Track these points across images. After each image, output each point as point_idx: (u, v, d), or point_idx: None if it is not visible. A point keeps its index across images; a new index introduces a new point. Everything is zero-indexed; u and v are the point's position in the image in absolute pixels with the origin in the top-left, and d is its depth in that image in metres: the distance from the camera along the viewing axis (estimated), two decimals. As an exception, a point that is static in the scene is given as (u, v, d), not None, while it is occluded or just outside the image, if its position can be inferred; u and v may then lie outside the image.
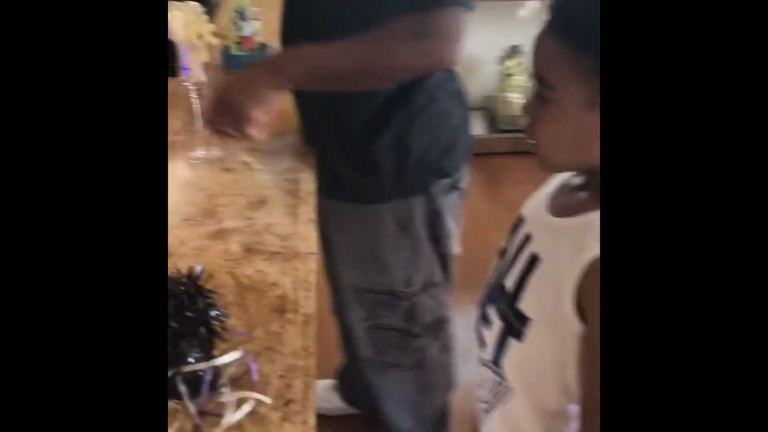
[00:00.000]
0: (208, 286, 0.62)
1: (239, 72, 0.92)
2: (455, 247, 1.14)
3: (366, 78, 0.87)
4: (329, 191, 1.05)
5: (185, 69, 0.99)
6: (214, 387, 0.58)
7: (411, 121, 0.98)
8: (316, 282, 0.78)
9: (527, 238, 0.72)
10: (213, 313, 0.60)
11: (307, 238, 0.86)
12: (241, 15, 1.42)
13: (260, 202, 0.93)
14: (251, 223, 0.88)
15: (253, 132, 0.88)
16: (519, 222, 0.76)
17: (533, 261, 0.69)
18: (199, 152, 1.05)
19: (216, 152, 1.06)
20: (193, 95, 1.01)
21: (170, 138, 1.11)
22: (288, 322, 0.70)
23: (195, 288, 0.59)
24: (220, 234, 0.85)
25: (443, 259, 1.13)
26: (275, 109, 0.88)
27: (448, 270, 1.15)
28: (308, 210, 0.92)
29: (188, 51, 0.97)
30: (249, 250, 0.82)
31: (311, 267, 0.80)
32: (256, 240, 0.84)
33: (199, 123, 1.05)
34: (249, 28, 1.44)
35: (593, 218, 0.64)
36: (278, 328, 0.69)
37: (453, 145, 1.04)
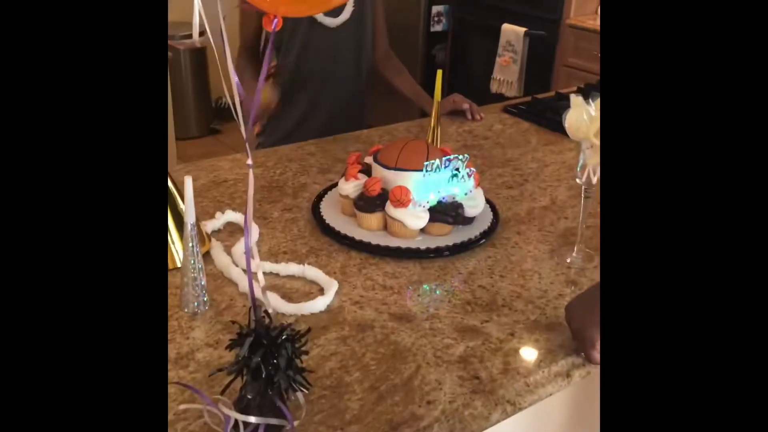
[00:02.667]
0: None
1: (588, 296, 0.79)
2: None
3: None
4: None
5: (580, 165, 0.91)
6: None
7: None
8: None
9: None
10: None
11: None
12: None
13: (548, 327, 0.81)
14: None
15: (599, 360, 0.75)
16: None
17: None
18: (575, 257, 0.96)
19: (584, 265, 0.95)
20: (583, 194, 0.93)
21: (554, 230, 1.05)
22: None
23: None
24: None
25: None
26: None
27: None
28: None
29: (587, 148, 0.89)
30: (462, 359, 0.75)
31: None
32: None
33: (583, 225, 0.96)
34: None
35: None
36: None
37: None
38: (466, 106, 1.53)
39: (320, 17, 1.43)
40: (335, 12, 1.43)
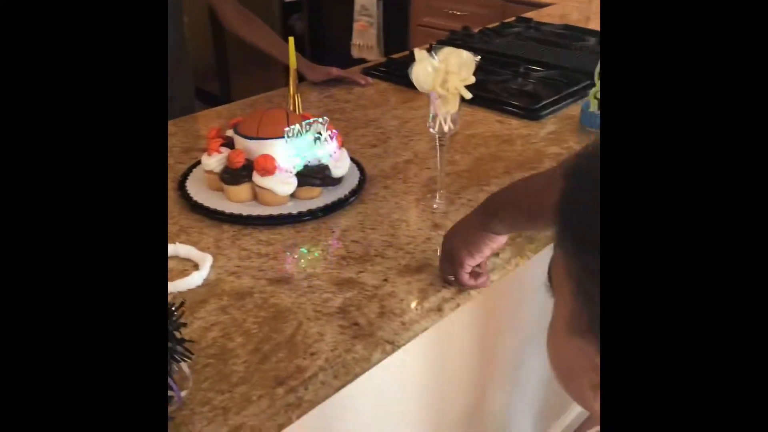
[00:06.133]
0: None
1: (462, 219, 0.84)
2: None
3: None
4: None
5: (431, 116, 0.97)
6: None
7: None
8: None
9: None
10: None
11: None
12: (612, 70, 1.26)
13: (418, 269, 0.86)
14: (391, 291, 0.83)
15: (466, 280, 0.81)
16: None
17: None
18: (438, 203, 1.02)
19: (446, 208, 1.01)
20: (437, 143, 0.98)
21: (417, 180, 1.11)
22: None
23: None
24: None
25: None
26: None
27: None
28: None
29: (435, 99, 0.95)
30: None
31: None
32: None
33: (442, 173, 1.02)
34: (620, 85, 1.26)
35: None
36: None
37: None
38: (346, 75, 1.54)
39: None
40: None
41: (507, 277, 0.94)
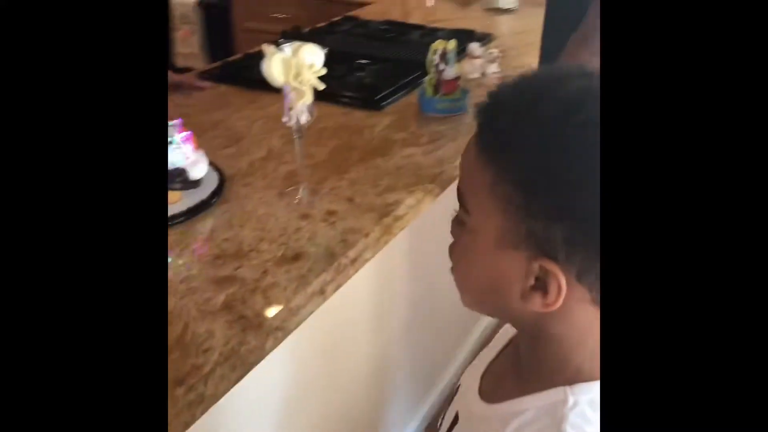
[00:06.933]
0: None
1: None
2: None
3: None
4: None
5: (286, 109, 0.99)
6: None
7: None
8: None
9: (455, 418, 0.61)
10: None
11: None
12: (443, 57, 1.36)
13: (294, 257, 0.89)
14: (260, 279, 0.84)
15: None
16: (457, 389, 0.66)
17: None
18: (301, 194, 1.04)
19: (311, 199, 1.04)
20: (295, 135, 1.01)
21: (277, 175, 1.13)
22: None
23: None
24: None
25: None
26: None
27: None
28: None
29: (289, 92, 0.97)
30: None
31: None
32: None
33: (302, 165, 1.04)
34: (451, 71, 1.37)
35: (510, 409, 0.53)
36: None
37: None
38: (183, 80, 1.50)
39: None
40: None
41: (388, 252, 0.99)
